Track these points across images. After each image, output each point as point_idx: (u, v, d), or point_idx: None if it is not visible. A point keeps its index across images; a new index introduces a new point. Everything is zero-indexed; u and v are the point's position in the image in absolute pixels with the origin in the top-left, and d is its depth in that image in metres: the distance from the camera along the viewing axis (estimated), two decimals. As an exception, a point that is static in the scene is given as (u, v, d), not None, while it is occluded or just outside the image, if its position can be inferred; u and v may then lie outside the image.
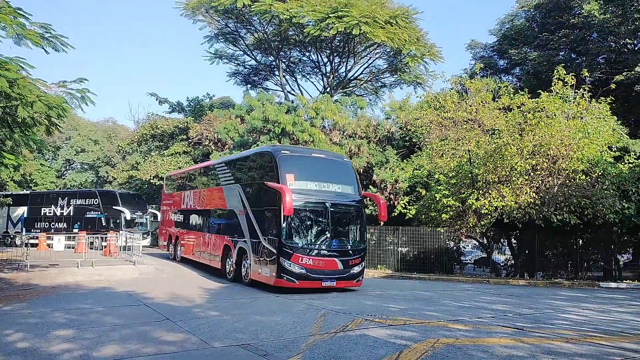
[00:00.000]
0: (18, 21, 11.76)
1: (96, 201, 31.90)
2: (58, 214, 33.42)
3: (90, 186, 49.80)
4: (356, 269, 14.16)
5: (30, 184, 48.68)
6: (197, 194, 20.68)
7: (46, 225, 33.62)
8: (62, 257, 20.34)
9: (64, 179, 53.53)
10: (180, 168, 32.43)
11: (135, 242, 21.20)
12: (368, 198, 18.82)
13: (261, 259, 14.00)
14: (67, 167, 56.91)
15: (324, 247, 13.65)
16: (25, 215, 35.11)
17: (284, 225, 13.03)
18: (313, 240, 13.70)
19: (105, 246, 23.76)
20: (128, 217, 30.42)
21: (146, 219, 32.85)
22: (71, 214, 32.80)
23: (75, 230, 29.81)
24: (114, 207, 30.84)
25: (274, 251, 13.23)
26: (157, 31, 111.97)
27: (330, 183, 14.16)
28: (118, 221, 30.45)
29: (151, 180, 33.82)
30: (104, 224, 30.76)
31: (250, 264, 14.71)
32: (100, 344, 7.13)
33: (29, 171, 45.81)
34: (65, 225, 32.47)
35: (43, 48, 12.38)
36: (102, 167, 50.12)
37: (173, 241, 23.09)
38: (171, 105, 40.75)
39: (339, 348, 7.00)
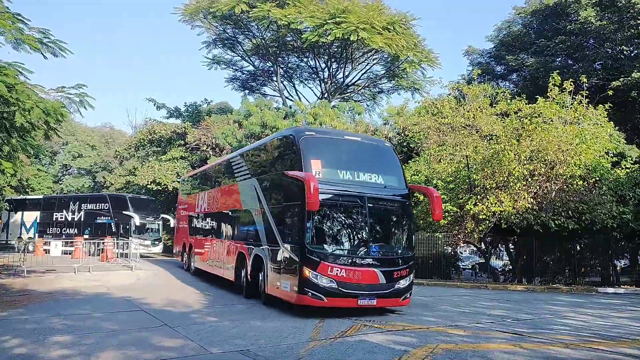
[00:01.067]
0: (17, 26, 11.79)
1: (106, 206, 30.89)
2: (69, 219, 32.51)
3: (87, 191, 49.69)
4: (403, 283, 10.75)
5: (27, 189, 48.54)
6: (211, 194, 18.17)
7: (57, 230, 32.59)
8: (59, 262, 20.25)
9: (61, 184, 53.40)
10: (178, 174, 32.35)
11: (133, 248, 21.11)
12: (416, 192, 16.21)
13: (280, 269, 10.99)
14: (64, 173, 56.78)
15: (360, 255, 10.44)
16: (38, 221, 34.12)
17: (308, 225, 10.02)
18: (346, 246, 10.62)
19: (102, 251, 23.66)
20: (137, 223, 29.44)
21: (158, 224, 31.81)
22: (82, 220, 31.83)
23: (86, 236, 28.40)
24: (123, 212, 29.84)
25: (296, 259, 10.16)
26: (155, 37, 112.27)
27: (369, 172, 11.02)
28: (127, 227, 29.48)
29: (148, 186, 33.72)
30: (113, 230, 29.65)
31: (266, 276, 11.68)
32: (98, 350, 7.08)
33: (26, 176, 45.70)
34: (75, 230, 31.29)
35: (41, 53, 12.40)
36: (99, 173, 50.01)
37: (187, 250, 20.74)
38: (169, 111, 40.76)
39: (338, 353, 6.99)
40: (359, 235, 10.82)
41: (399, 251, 11.19)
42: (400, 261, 10.88)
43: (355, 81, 39.21)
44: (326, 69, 37.99)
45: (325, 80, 38.26)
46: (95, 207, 31.63)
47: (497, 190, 19.55)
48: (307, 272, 9.95)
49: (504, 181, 19.51)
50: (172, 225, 29.97)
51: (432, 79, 36.79)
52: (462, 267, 29.04)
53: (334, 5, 30.06)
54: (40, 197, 38.79)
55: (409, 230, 11.52)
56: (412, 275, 11.07)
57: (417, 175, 23.60)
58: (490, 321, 10.46)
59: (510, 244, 26.01)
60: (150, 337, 8.04)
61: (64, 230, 32.29)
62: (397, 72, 36.15)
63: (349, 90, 39.58)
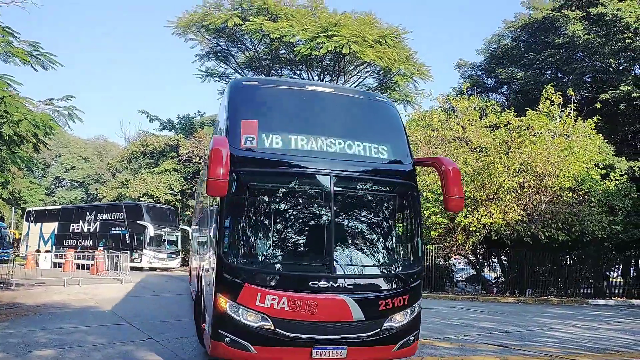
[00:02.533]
0: (6, 39, 11.84)
1: (121, 215, 29.33)
2: (85, 230, 31.30)
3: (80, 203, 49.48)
4: (399, 319, 6.34)
5: (19, 201, 48.28)
6: (199, 202, 15.13)
7: (73, 242, 31.27)
8: (49, 275, 20.09)
9: (53, 196, 53.16)
10: (170, 186, 32.26)
11: (122, 260, 20.95)
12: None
13: (205, 298, 7.47)
14: (57, 185, 56.57)
15: (317, 272, 6.15)
16: (55, 232, 33.03)
17: (226, 224, 6.09)
18: (292, 257, 6.52)
19: (92, 265, 23.51)
20: (152, 234, 27.57)
21: (176, 236, 29.64)
22: (97, 231, 30.55)
23: (100, 249, 26.72)
24: (138, 221, 28.11)
25: (213, 281, 6.31)
26: (149, 49, 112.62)
27: (343, 139, 6.68)
28: (142, 238, 27.67)
29: (140, 198, 33.62)
30: (127, 241, 28.16)
31: (203, 309, 7.67)
32: (80, 364, 7.03)
33: (18, 189, 45.49)
34: (91, 242, 30.03)
35: (31, 65, 12.45)
36: (91, 185, 49.88)
37: (195, 271, 14.39)
38: (162, 123, 40.81)
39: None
40: (316, 240, 6.33)
41: (392, 265, 6.69)
42: (393, 282, 6.36)
43: (348, 94, 39.36)
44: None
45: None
46: (111, 216, 30.15)
47: (487, 202, 19.65)
48: (223, 302, 5.87)
49: (494, 193, 19.63)
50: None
51: (424, 91, 37.10)
52: (455, 278, 29.06)
53: (326, 18, 30.32)
54: (59, 207, 37.86)
55: (411, 230, 6.72)
56: (417, 305, 6.49)
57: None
58: (478, 333, 10.46)
59: (502, 256, 26.09)
60: (136, 350, 8.00)
61: (80, 242, 30.96)
62: (390, 84, 36.35)
63: (342, 103, 39.69)
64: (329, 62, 35.49)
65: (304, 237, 6.57)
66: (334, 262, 6.05)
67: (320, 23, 30.10)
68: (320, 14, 31.43)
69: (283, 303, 5.82)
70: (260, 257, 6.32)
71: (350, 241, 6.55)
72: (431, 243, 21.75)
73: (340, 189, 6.38)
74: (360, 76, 37.62)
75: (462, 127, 21.14)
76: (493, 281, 29.13)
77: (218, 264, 6.04)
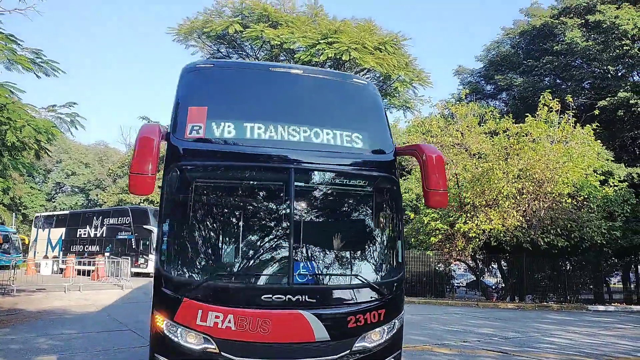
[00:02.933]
0: (10, 47, 11.97)
1: (128, 220, 29.14)
2: (92, 235, 31.14)
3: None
4: (374, 339, 5.25)
5: (20, 207, 48.35)
6: None
7: (80, 248, 31.15)
8: (50, 281, 20.14)
9: (54, 202, 53.23)
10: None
11: (124, 266, 21.02)
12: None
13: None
14: (58, 190, 56.65)
15: (271, 284, 5.25)
16: (63, 238, 32.87)
17: (165, 228, 5.13)
18: (245, 266, 5.41)
19: (93, 271, 23.56)
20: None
21: None
22: (104, 236, 30.36)
23: (107, 254, 26.37)
24: (144, 226, 27.73)
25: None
26: (149, 56, 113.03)
27: (311, 126, 5.66)
28: (147, 242, 27.08)
29: (141, 204, 33.69)
30: (133, 246, 27.84)
31: None
32: (82, 369, 7.08)
33: (19, 194, 45.58)
34: (97, 248, 29.86)
35: (34, 73, 12.58)
36: (92, 190, 49.96)
37: None
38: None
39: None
40: (272, 245, 5.40)
41: (365, 273, 5.39)
42: (366, 293, 5.22)
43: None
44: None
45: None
46: (117, 221, 30.01)
47: (486, 208, 19.73)
48: (160, 321, 4.91)
49: (493, 199, 19.71)
50: None
51: (423, 98, 37.25)
52: (456, 284, 29.08)
53: (326, 25, 30.50)
54: (67, 212, 37.39)
55: (390, 231, 5.74)
56: (398, 320, 5.39)
57: (408, 193, 23.79)
58: (477, 339, 10.51)
59: (502, 262, 26.13)
60: (137, 356, 8.05)
61: (87, 248, 30.81)
62: (389, 91, 36.46)
63: (341, 109, 39.89)
64: (329, 69, 35.65)
65: (258, 242, 5.47)
66: (293, 271, 4.96)
67: (321, 30, 30.27)
68: (320, 21, 31.61)
69: (229, 321, 4.71)
70: (204, 267, 5.27)
71: (313, 245, 5.44)
72: (431, 249, 21.83)
73: (303, 183, 5.37)
74: (360, 82, 37.80)
75: (462, 133, 21.24)
76: (493, 287, 29.17)
77: (155, 275, 5.02)
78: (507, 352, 8.87)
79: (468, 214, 19.94)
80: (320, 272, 5.33)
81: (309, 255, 5.34)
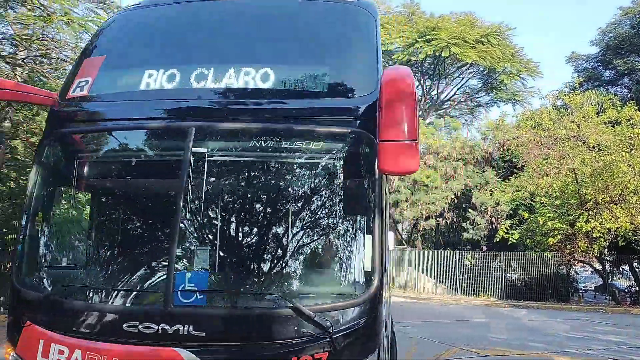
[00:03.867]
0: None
1: None
2: None
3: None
4: None
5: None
6: None
7: None
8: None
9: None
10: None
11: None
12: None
13: None
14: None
15: (139, 307, 3.30)
16: None
17: (23, 222, 3.59)
18: (110, 280, 3.67)
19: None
20: None
21: None
22: None
23: None
24: None
25: None
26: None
27: (254, 67, 3.54)
28: None
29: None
30: None
31: None
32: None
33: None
34: None
35: None
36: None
37: None
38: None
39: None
40: (151, 247, 3.85)
41: (299, 289, 3.43)
42: (290, 323, 3.01)
43: (451, 97, 38.54)
44: (419, 86, 37.81)
45: (419, 98, 38.08)
46: None
47: (611, 205, 18.00)
48: (7, 352, 3.48)
49: (618, 195, 17.94)
50: None
51: (532, 89, 35.08)
52: (582, 288, 26.92)
53: (424, 23, 30.17)
54: None
55: (355, 222, 3.43)
56: None
57: (520, 191, 22.52)
58: (603, 347, 9.67)
59: (635, 263, 23.61)
60: None
61: None
62: (495, 84, 35.00)
63: (444, 106, 38.97)
64: (428, 67, 35.07)
65: (133, 243, 3.91)
66: (173, 286, 3.10)
67: (418, 28, 30.00)
68: (417, 19, 31.30)
69: (76, 358, 3.12)
70: (56, 278, 3.74)
71: (213, 247, 3.55)
72: (549, 250, 20.46)
73: (205, 150, 3.38)
74: (463, 78, 36.74)
75: (577, 124, 19.61)
76: (625, 290, 26.46)
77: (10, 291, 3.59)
78: (638, 363, 8.08)
79: (590, 212, 18.34)
80: (218, 289, 3.44)
81: (204, 261, 3.46)
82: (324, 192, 3.60)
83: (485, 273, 23.12)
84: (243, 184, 3.76)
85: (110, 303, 3.37)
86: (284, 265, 3.53)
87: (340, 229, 3.50)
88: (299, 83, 3.64)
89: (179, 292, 3.13)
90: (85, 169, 3.74)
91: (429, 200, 24.42)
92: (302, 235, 3.54)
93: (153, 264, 3.58)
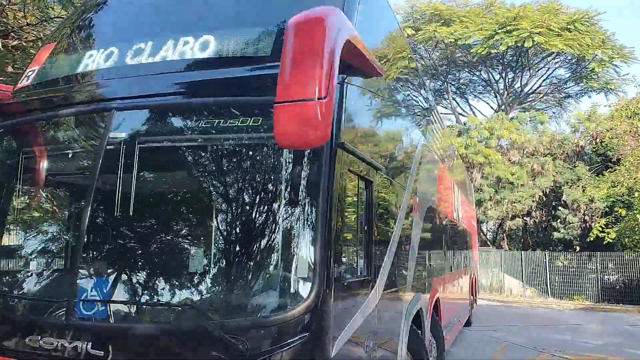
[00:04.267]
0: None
1: None
2: None
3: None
4: None
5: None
6: None
7: None
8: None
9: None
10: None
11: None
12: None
13: None
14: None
15: (41, 315, 2.94)
16: None
17: None
18: (14, 281, 3.45)
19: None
20: None
21: None
22: None
23: None
24: None
25: None
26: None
27: (193, 36, 3.18)
28: None
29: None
30: None
31: None
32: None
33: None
34: None
35: None
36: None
37: None
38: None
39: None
40: (57, 250, 3.59)
41: (209, 298, 2.90)
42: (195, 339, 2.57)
43: (536, 89, 36.62)
44: (501, 79, 36.31)
45: (501, 91, 36.56)
46: None
47: None
48: None
49: None
50: None
51: (627, 76, 32.46)
52: None
53: (504, 13, 29.01)
54: None
55: (295, 214, 2.70)
56: None
57: (616, 187, 20.95)
58: None
59: None
60: None
61: None
62: (585, 73, 32.76)
63: (529, 99, 37.12)
64: (510, 58, 33.64)
65: (43, 247, 3.51)
66: (76, 296, 2.80)
67: (497, 19, 28.87)
68: (497, 10, 30.11)
69: None
70: None
71: (125, 249, 3.20)
72: None
73: (126, 135, 3.04)
74: (549, 68, 34.83)
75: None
76: None
77: None
78: None
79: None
80: (121, 299, 2.93)
81: (113, 266, 3.04)
82: (250, 180, 2.98)
83: (579, 275, 21.79)
84: (160, 175, 3.36)
85: (13, 312, 3.02)
86: (204, 273, 2.95)
87: (273, 224, 2.82)
88: (245, 46, 3.11)
89: (80, 304, 2.75)
90: (10, 165, 3.55)
91: (515, 198, 23.38)
92: (226, 235, 3.01)
93: (59, 271, 3.24)
